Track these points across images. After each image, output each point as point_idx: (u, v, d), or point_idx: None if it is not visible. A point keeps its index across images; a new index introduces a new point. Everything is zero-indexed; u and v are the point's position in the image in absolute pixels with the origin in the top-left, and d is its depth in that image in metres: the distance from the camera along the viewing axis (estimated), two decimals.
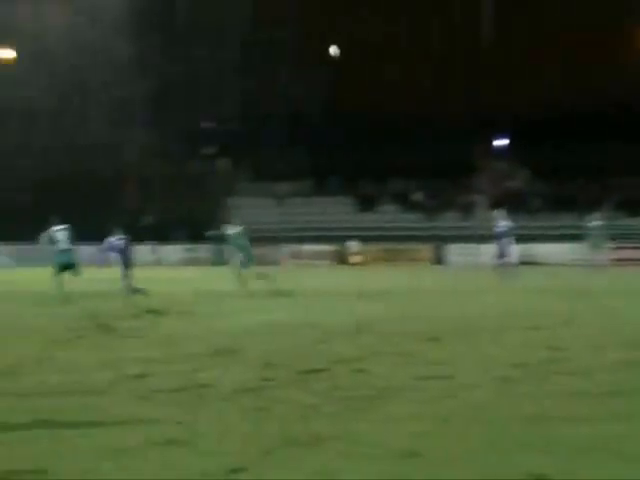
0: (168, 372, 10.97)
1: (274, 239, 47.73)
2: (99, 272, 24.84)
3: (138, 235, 43.76)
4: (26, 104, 51.44)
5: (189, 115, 55.02)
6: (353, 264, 46.40)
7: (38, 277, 25.90)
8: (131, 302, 21.39)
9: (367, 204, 54.69)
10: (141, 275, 24.75)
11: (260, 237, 48.08)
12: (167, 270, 28.76)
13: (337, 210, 53.42)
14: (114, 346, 13.54)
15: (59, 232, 21.53)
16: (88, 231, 31.56)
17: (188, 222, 48.78)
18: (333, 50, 52.25)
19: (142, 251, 44.71)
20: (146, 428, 8.01)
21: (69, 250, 21.40)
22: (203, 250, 47.54)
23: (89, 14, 51.12)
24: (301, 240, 48.69)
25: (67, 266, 21.41)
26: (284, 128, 53.21)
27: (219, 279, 30.34)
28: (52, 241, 21.43)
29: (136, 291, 22.23)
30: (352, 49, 51.93)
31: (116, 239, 23.12)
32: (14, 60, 53.60)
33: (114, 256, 23.12)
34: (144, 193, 54.05)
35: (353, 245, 47.82)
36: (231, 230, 24.77)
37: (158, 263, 46.54)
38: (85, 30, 50.68)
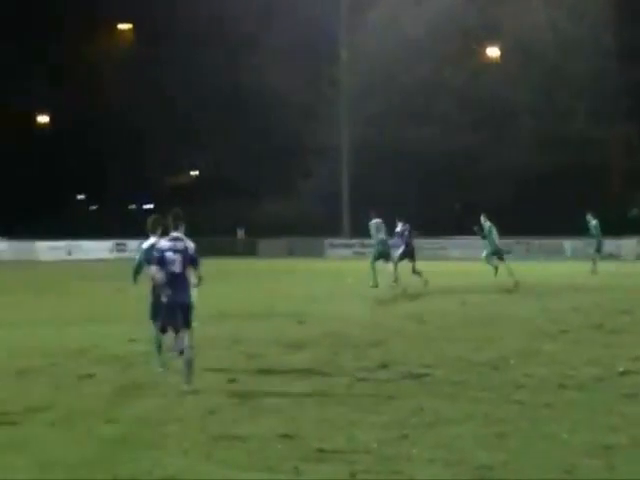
0: None
1: None
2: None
3: (623, 227, 42.59)
4: (511, 100, 52.45)
5: None
6: None
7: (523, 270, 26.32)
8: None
9: None
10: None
11: None
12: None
13: None
14: (601, 341, 13.31)
15: (379, 224, 23.34)
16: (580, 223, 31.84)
17: None
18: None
19: (630, 245, 43.32)
20: (633, 427, 7.80)
21: (385, 241, 23.23)
22: None
23: (570, 6, 50.73)
24: None
25: (383, 255, 23.15)
26: None
27: None
28: (377, 231, 23.23)
29: (396, 280, 23.22)
30: None
31: (402, 229, 24.28)
32: (499, 59, 54.89)
33: (399, 244, 24.21)
34: (630, 185, 52.45)
35: None
36: (488, 223, 25.26)
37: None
38: (567, 23, 50.40)
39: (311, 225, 52.85)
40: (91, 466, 6.82)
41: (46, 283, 29.42)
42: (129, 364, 11.51)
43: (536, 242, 45.81)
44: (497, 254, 25.29)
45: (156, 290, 10.66)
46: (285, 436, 7.62)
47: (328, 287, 25.15)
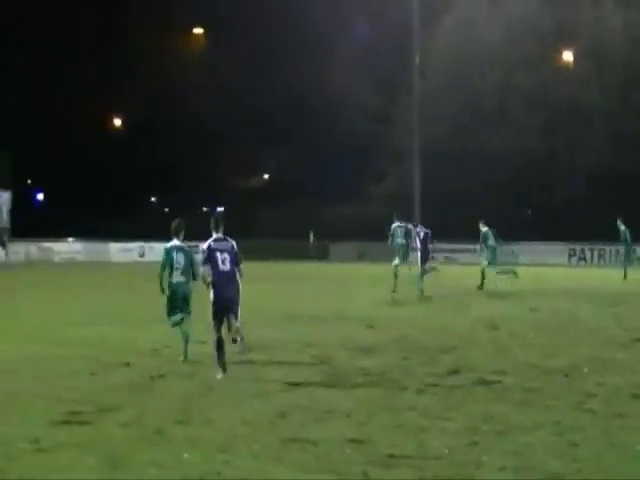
0: None
1: None
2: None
3: None
4: (585, 103, 51.72)
5: None
6: None
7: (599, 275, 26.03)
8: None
9: None
10: None
11: None
12: None
13: None
14: None
15: (399, 228, 23.51)
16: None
17: None
18: None
19: None
20: None
21: (406, 244, 23.42)
22: None
23: None
24: None
25: (406, 258, 23.36)
26: None
27: None
28: (394, 236, 23.45)
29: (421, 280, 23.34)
30: None
31: (421, 231, 24.33)
32: (572, 63, 54.18)
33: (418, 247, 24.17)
34: None
35: None
36: (484, 228, 24.92)
37: None
38: None
39: (383, 229, 52.65)
40: (161, 466, 6.89)
41: (118, 283, 29.84)
42: (199, 365, 11.62)
43: (610, 248, 45.00)
44: (494, 263, 24.73)
45: (171, 286, 12.08)
46: (354, 440, 7.60)
47: (398, 292, 25.03)
